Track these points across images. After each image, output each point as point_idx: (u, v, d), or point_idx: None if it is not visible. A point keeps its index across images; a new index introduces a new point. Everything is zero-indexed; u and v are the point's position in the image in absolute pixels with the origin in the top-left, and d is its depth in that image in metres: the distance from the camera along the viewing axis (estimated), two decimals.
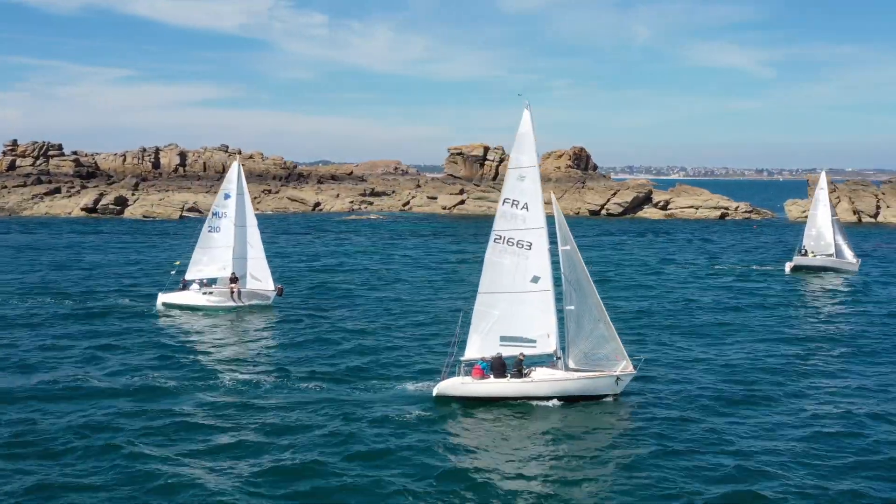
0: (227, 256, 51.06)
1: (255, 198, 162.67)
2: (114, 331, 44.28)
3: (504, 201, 32.11)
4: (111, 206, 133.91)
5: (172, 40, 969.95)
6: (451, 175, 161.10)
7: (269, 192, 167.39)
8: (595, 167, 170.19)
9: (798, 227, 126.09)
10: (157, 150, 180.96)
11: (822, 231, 73.32)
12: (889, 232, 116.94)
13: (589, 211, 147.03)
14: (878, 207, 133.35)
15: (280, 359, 38.81)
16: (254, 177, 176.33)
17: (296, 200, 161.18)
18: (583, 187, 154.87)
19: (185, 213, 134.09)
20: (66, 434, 27.80)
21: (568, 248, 31.85)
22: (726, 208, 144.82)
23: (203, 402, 31.76)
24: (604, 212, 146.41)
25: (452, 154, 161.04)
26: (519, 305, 32.04)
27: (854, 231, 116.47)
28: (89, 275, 65.28)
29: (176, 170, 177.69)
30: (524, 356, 32.06)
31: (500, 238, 32.06)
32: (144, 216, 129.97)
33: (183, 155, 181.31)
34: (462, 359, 32.45)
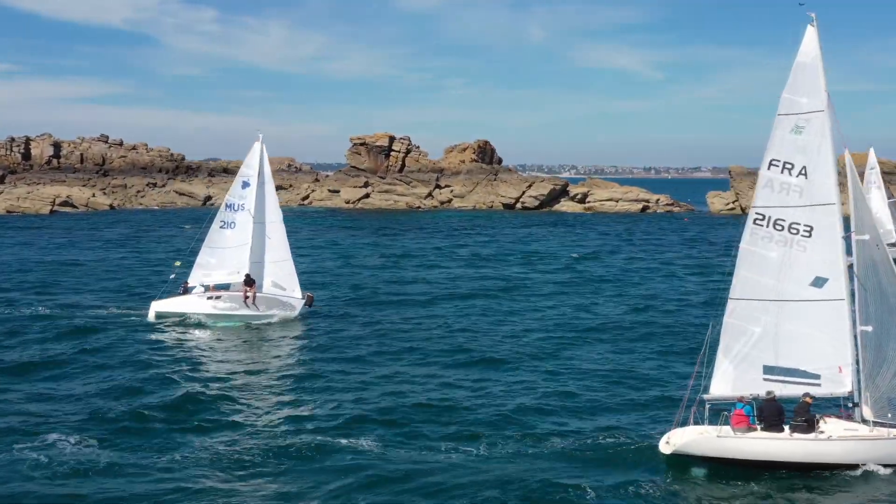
0: (243, 258, 40.80)
1: (139, 192, 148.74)
2: (86, 351, 33.47)
3: (770, 164, 21.72)
4: None
5: (52, 34, 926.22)
6: (354, 167, 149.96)
7: (155, 185, 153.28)
8: (500, 161, 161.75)
9: (724, 219, 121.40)
10: (28, 141, 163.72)
11: (879, 217, 61.46)
12: None
13: (503, 204, 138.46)
14: None
15: (348, 395, 27.60)
16: (137, 169, 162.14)
17: (184, 194, 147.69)
18: (495, 180, 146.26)
19: (56, 208, 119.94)
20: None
21: (866, 237, 21.66)
22: (647, 201, 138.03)
23: (229, 454, 21.80)
24: (519, 205, 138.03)
25: (355, 145, 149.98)
26: (792, 320, 21.71)
27: None
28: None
29: (49, 162, 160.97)
30: (812, 399, 21.47)
31: (763, 218, 21.80)
32: (8, 211, 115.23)
33: (57, 146, 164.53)
34: (706, 397, 21.93)
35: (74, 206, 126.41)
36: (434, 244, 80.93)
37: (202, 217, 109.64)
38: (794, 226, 21.48)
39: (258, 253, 40.96)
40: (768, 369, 21.74)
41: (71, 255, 67.05)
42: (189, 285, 41.20)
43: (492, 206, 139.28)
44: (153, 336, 36.93)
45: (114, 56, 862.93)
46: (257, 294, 40.35)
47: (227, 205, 41.79)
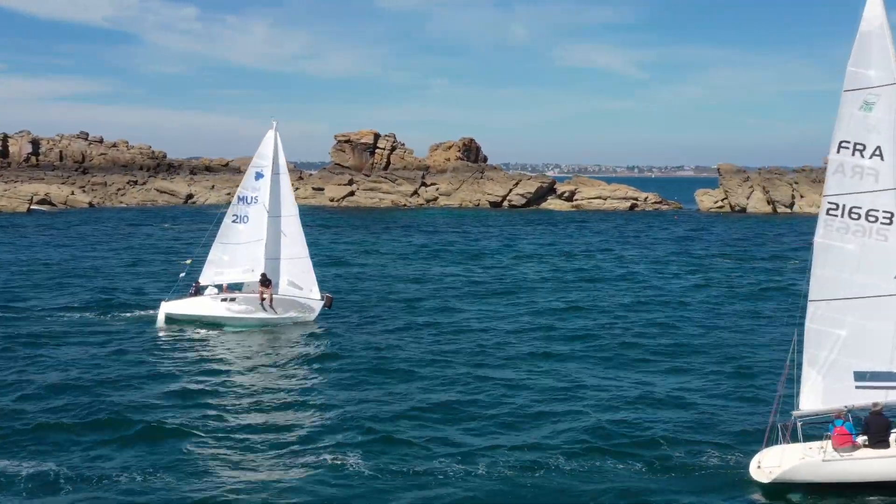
0: (257, 254, 38.17)
1: (120, 189, 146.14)
2: (89, 357, 30.96)
3: (840, 147, 19.48)
4: None
5: (32, 32, 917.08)
6: (339, 164, 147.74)
7: (136, 183, 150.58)
8: (485, 159, 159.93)
9: (714, 217, 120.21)
10: (6, 138, 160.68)
11: None
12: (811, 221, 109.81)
13: (489, 202, 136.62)
14: (793, 197, 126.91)
15: (352, 407, 25.31)
16: (118, 167, 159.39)
17: (165, 192, 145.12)
18: (481, 177, 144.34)
19: (33, 206, 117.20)
20: None
21: None
22: (635, 199, 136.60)
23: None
24: (506, 203, 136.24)
25: (340, 142, 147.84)
26: (879, 318, 19.40)
27: (773, 222, 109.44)
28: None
29: (27, 159, 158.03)
30: None
31: (837, 208, 19.58)
32: None
33: (36, 143, 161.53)
34: (797, 413, 19.81)
35: (53, 204, 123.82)
36: (422, 242, 79.02)
37: (181, 216, 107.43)
38: (871, 213, 19.25)
39: (273, 249, 38.27)
40: (859, 375, 19.54)
41: (50, 253, 64.75)
42: (201, 284, 38.38)
43: (478, 205, 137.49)
44: (153, 341, 34.32)
45: (95, 54, 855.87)
46: (273, 296, 37.74)
47: (239, 197, 39.02)
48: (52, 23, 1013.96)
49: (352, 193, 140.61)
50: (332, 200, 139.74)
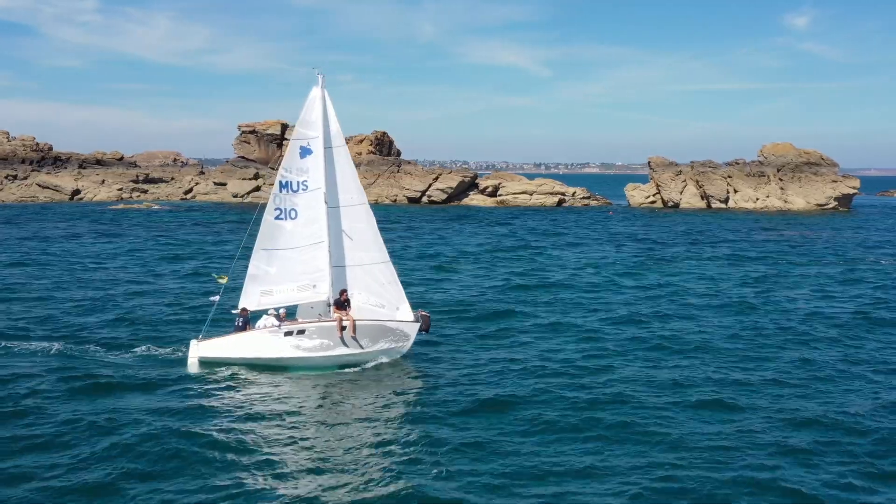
0: (319, 262, 27.67)
1: None
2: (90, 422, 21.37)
3: None
4: None
5: None
6: (243, 157, 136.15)
7: (15, 177, 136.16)
8: (399, 153, 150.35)
9: (648, 212, 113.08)
10: None
11: None
12: (757, 218, 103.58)
13: (407, 198, 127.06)
14: (727, 192, 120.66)
15: None
16: None
17: (48, 188, 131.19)
18: (398, 172, 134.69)
19: None
20: None
21: None
22: (563, 194, 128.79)
23: None
24: (425, 198, 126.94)
25: (244, 133, 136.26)
26: None
27: (710, 216, 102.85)
28: None
29: None
30: None
31: None
32: None
33: None
34: None
35: None
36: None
37: (71, 212, 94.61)
38: None
39: (337, 254, 27.96)
40: None
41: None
42: (248, 311, 27.63)
43: (395, 200, 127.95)
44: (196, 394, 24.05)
45: None
46: (356, 323, 27.14)
47: (281, 184, 27.75)
48: None
49: (257, 189, 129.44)
50: (235, 196, 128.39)
